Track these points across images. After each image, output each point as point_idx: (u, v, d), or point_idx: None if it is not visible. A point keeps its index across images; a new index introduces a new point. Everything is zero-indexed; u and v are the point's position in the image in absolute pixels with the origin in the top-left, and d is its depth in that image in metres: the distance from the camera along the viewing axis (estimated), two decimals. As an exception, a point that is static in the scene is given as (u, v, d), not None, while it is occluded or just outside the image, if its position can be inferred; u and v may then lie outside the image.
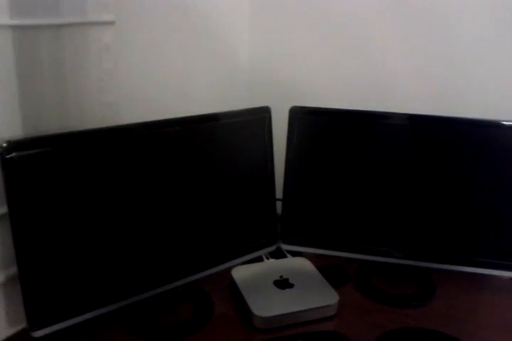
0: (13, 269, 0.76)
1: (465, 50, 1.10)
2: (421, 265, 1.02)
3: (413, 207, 1.00)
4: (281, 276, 1.00)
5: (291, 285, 0.97)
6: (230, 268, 1.01)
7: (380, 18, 1.13)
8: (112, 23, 0.85)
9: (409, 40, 1.13)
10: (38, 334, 0.76)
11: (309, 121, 1.03)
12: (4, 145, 0.68)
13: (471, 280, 1.04)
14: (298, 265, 1.05)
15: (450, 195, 0.98)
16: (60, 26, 0.77)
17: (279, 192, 1.05)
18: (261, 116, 0.99)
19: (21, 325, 0.83)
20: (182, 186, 0.89)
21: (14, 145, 0.69)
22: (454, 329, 0.89)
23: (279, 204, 1.06)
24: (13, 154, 0.69)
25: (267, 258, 1.08)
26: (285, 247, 1.07)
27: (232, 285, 0.99)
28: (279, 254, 1.10)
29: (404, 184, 1.00)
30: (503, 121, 0.93)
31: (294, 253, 1.11)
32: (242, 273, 1.01)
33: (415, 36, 1.12)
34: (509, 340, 0.68)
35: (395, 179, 1.00)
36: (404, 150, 0.99)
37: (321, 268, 1.04)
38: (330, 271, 1.06)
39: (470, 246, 0.99)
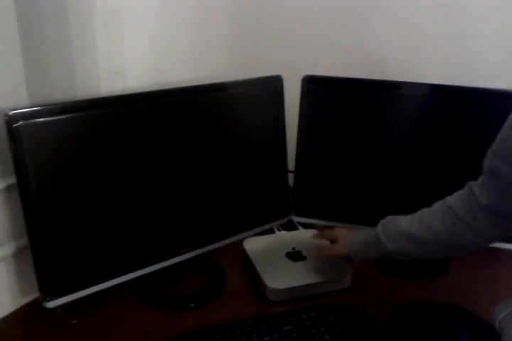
0: (25, 240, 0.75)
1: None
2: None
3: (429, 177, 0.98)
4: (293, 248, 0.99)
5: (303, 258, 0.96)
6: (241, 240, 1.00)
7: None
8: (119, -16, 0.81)
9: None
10: (52, 305, 0.76)
11: (322, 91, 0.99)
12: (10, 113, 0.66)
13: (486, 254, 1.03)
14: (310, 237, 1.04)
15: (464, 164, 0.95)
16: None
17: (291, 164, 1.03)
18: (272, 86, 0.95)
19: (34, 295, 0.83)
20: (192, 157, 0.87)
21: (21, 114, 0.67)
22: (467, 302, 0.88)
23: (291, 176, 1.04)
24: (20, 123, 0.67)
25: (279, 230, 1.07)
26: (297, 219, 1.06)
27: (244, 257, 0.98)
28: (290, 226, 1.08)
29: (420, 155, 0.97)
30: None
31: (306, 226, 1.09)
32: (254, 244, 1.00)
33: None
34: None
35: (410, 149, 0.98)
36: (419, 120, 0.96)
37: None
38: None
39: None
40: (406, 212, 0.99)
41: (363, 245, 0.83)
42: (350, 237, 0.86)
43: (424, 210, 0.77)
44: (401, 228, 0.78)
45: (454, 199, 0.74)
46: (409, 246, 0.77)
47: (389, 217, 0.83)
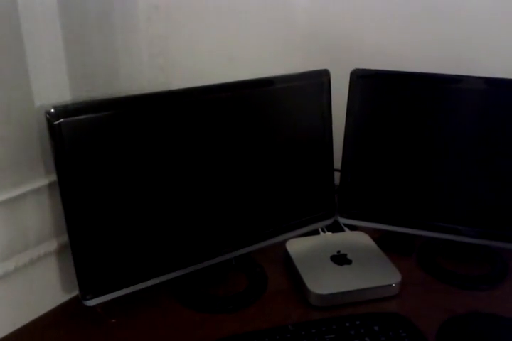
0: (66, 236, 0.74)
1: None
2: (494, 245, 0.93)
3: (486, 180, 0.91)
4: (338, 251, 0.95)
5: (349, 262, 0.92)
6: (284, 241, 0.97)
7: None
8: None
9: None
10: (91, 303, 0.76)
11: (372, 86, 0.94)
12: (51, 110, 0.66)
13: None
14: (356, 240, 0.99)
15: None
16: (106, -18, 0.72)
17: (337, 163, 0.98)
18: (319, 80, 0.91)
19: (76, 292, 0.83)
20: (235, 154, 0.84)
21: (62, 110, 0.66)
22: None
23: (337, 175, 1.00)
24: (61, 120, 0.66)
25: (324, 232, 1.03)
26: (343, 221, 1.01)
27: (287, 258, 0.95)
28: (336, 228, 1.04)
29: (476, 153, 0.90)
30: None
31: (352, 228, 1.05)
32: (297, 246, 0.97)
33: None
34: None
35: (467, 148, 0.91)
36: (477, 118, 0.89)
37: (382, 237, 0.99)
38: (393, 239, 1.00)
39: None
40: (460, 216, 0.93)
41: None
42: None
43: None
44: None
45: None
46: None
47: None
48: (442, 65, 0.93)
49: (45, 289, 0.82)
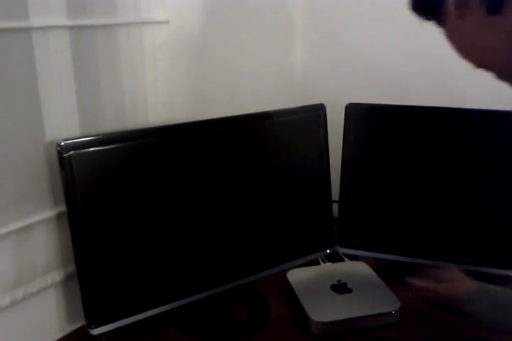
0: (73, 267, 0.77)
1: None
2: (492, 272, 0.94)
3: (481, 209, 0.94)
4: (338, 281, 0.96)
5: (349, 290, 0.93)
6: (285, 271, 0.98)
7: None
8: (166, 22, 0.86)
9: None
10: (96, 332, 0.77)
11: (367, 119, 0.99)
12: (62, 144, 0.70)
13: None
14: (356, 269, 1.01)
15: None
16: (115, 26, 0.78)
17: (335, 194, 1.01)
18: (315, 114, 0.96)
19: (80, 323, 0.84)
20: (236, 186, 0.87)
21: (72, 144, 0.71)
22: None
23: (335, 206, 1.02)
24: (71, 153, 0.70)
25: (324, 262, 1.05)
26: (342, 250, 1.03)
27: (288, 288, 0.96)
28: (336, 258, 1.06)
29: (471, 184, 0.93)
30: None
31: (352, 257, 1.06)
32: (298, 276, 0.98)
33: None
34: None
35: (460, 178, 0.94)
36: (469, 148, 0.93)
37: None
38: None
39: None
40: (455, 243, 0.95)
41: None
42: None
43: None
44: None
45: None
46: None
47: None
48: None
49: (52, 318, 0.83)
